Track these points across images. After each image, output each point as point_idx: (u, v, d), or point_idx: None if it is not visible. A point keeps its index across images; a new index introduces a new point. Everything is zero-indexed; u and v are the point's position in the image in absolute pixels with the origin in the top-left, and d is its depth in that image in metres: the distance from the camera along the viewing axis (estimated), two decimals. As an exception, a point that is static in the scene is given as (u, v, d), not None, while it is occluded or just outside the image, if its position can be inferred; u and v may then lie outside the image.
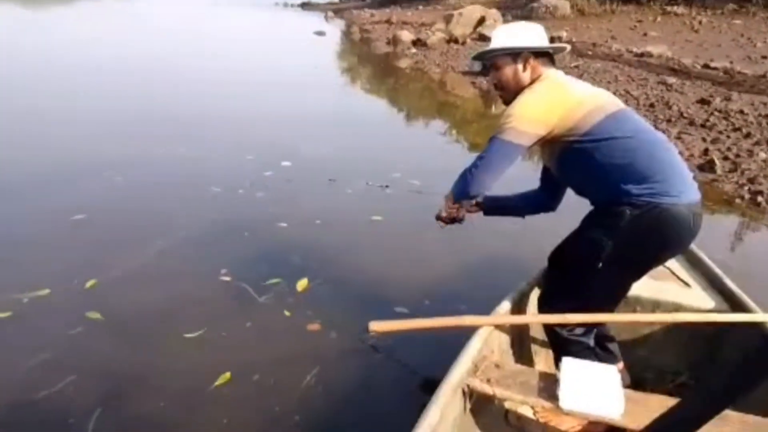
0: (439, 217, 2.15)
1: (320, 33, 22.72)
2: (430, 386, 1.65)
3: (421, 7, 34.08)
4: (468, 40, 16.65)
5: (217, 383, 2.27)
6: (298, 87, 10.02)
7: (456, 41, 16.63)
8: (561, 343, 1.91)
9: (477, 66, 11.52)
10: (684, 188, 1.73)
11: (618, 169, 1.73)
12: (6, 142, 5.55)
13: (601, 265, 1.77)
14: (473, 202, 2.16)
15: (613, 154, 1.74)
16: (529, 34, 1.94)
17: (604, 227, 1.78)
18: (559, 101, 1.79)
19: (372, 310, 2.47)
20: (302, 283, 3.02)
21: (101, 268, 3.08)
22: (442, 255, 3.51)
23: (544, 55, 1.95)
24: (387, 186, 3.26)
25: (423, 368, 2.38)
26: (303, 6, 56.38)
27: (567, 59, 12.13)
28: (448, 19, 17.94)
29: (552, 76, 1.89)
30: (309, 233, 3.73)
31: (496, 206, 2.31)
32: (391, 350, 2.53)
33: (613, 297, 1.92)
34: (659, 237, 1.74)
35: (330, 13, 39.63)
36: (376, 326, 1.77)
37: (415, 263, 3.40)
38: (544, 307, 1.99)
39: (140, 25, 23.36)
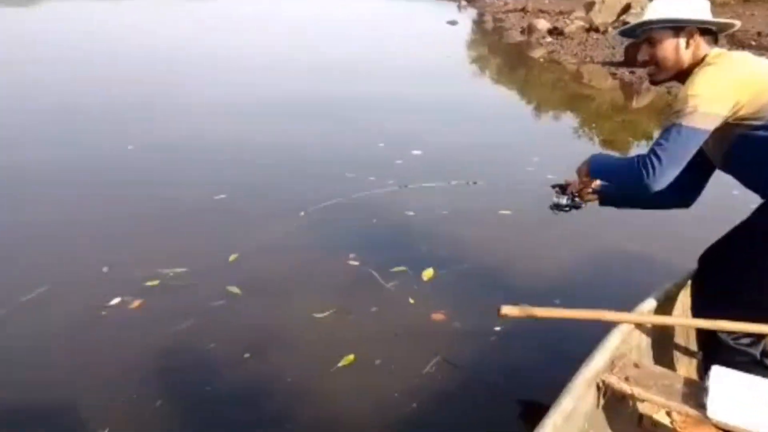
0: (557, 206, 2.01)
1: (452, 22, 22.51)
2: (554, 383, 1.58)
3: (559, -6, 32.57)
4: (610, 29, 15.55)
5: (340, 364, 2.34)
6: (428, 76, 10.02)
7: (596, 30, 15.63)
8: (720, 351, 1.73)
9: (622, 43, 10.68)
10: None
11: None
12: (159, 128, 6.09)
13: (759, 260, 1.62)
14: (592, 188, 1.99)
15: None
16: (693, 6, 1.69)
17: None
18: (748, 79, 1.57)
19: (497, 303, 2.43)
20: (428, 273, 3.04)
21: (241, 245, 3.30)
22: (573, 250, 3.41)
23: (708, 33, 1.71)
24: (475, 182, 3.07)
25: (548, 365, 2.28)
26: (436, -5, 56.42)
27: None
28: (589, 7, 16.93)
29: (726, 53, 1.67)
30: (436, 223, 3.74)
31: (617, 196, 2.05)
32: (514, 342, 2.48)
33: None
34: None
35: (463, 2, 39.07)
36: (508, 310, 1.68)
37: (544, 258, 3.31)
38: (700, 310, 1.81)
39: (269, 13, 24.68)
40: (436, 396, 2.19)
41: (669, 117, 1.64)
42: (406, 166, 4.84)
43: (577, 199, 1.99)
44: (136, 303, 2.75)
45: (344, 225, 3.64)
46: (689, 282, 1.98)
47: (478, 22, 24.95)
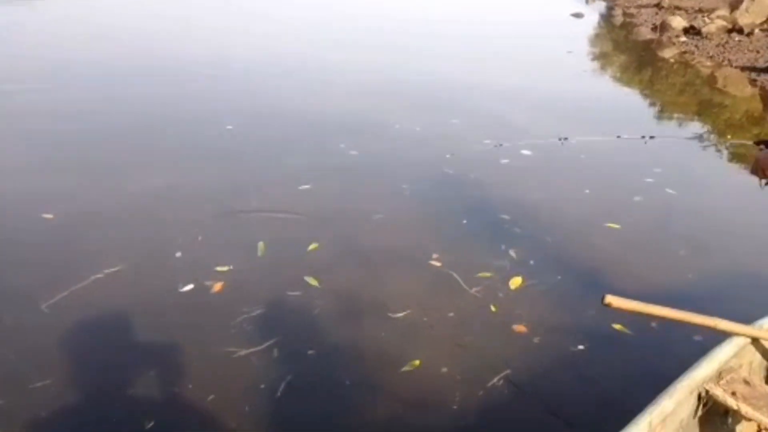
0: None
1: (578, 15, 21.26)
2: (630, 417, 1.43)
3: (701, -11, 29.68)
4: (756, 31, 13.94)
5: (405, 368, 2.31)
6: (550, 71, 9.58)
7: (740, 31, 14.05)
8: None
9: None
10: None
11: None
12: (253, 117, 6.05)
13: None
14: None
15: None
16: None
17: None
18: None
19: (588, 322, 2.29)
20: (516, 281, 2.91)
21: (322, 236, 3.30)
22: (683, 269, 3.14)
23: None
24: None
25: (628, 396, 2.10)
26: (564, -16, 53.60)
27: None
28: (734, 5, 15.22)
29: None
30: (531, 228, 3.56)
31: None
32: (595, 366, 2.33)
33: None
34: None
35: (592, -7, 36.88)
36: (613, 300, 1.57)
37: (646, 279, 3.04)
38: None
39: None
40: (496, 412, 2.12)
41: None
42: (513, 166, 4.65)
43: None
44: (217, 286, 2.78)
45: (429, 223, 3.57)
46: None
47: (606, 16, 23.35)
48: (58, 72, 6.99)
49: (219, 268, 2.89)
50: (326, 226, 3.42)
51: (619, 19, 21.70)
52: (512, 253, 3.17)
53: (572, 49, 13.40)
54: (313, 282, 2.87)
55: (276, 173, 4.23)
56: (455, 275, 2.89)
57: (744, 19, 14.36)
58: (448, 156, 4.67)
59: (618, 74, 11.21)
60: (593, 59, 12.70)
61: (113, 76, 7.05)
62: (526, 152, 4.81)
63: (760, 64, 10.56)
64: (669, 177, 4.43)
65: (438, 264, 3.01)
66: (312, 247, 3.19)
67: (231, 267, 2.91)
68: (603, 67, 11.76)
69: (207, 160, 4.40)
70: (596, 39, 16.76)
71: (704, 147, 6.07)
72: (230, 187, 3.90)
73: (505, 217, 3.62)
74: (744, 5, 14.71)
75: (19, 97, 5.81)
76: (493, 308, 2.70)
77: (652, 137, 5.49)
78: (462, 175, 4.31)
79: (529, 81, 8.46)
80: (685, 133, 6.60)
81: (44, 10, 11.70)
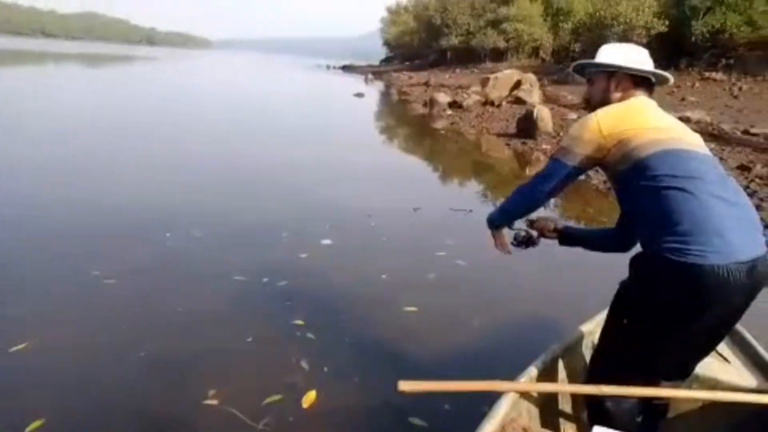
0: (515, 241, 2.03)
1: (359, 95, 22.84)
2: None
3: (458, 71, 34.41)
4: (503, 103, 16.27)
5: None
6: (336, 146, 9.69)
7: (492, 104, 16.28)
8: (603, 414, 1.66)
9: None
10: (729, 247, 1.43)
11: (655, 212, 1.52)
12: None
13: (626, 321, 1.61)
14: (549, 227, 2.05)
15: (654, 194, 1.52)
16: (630, 56, 1.75)
17: (631, 276, 1.61)
18: (620, 125, 1.61)
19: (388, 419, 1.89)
20: (310, 397, 2.34)
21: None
22: (476, 339, 2.98)
23: (643, 82, 1.75)
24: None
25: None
26: (344, 68, 58.21)
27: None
28: (484, 83, 17.68)
29: (634, 100, 1.70)
30: (327, 330, 2.99)
31: (574, 236, 2.11)
32: None
33: (650, 363, 1.63)
34: (684, 295, 1.48)
35: (370, 76, 40.42)
36: (406, 386, 1.60)
37: (446, 358, 2.67)
38: (585, 374, 1.82)
39: (203, 86, 23.99)
40: None
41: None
42: (305, 264, 4.04)
43: (534, 233, 2.03)
44: None
45: (214, 344, 2.78)
46: (577, 343, 2.06)
47: (385, 94, 25.54)
48: None
49: None
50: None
51: (395, 96, 23.83)
52: (304, 364, 2.56)
53: (358, 125, 14.08)
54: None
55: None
56: (236, 412, 2.23)
57: (492, 93, 16.72)
58: (238, 261, 3.83)
59: (402, 145, 11.89)
60: (380, 133, 13.44)
61: None
62: (326, 242, 4.35)
63: (510, 130, 12.14)
64: (459, 248, 4.39)
65: (214, 402, 2.26)
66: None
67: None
68: (389, 140, 12.43)
69: None
70: (379, 115, 18.00)
71: (484, 210, 6.47)
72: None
73: (298, 322, 3.02)
74: (491, 82, 17.16)
75: None
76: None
77: (456, 210, 5.62)
78: (253, 283, 3.53)
79: (323, 158, 8.39)
80: (467, 198, 7.02)
81: None
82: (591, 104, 1.80)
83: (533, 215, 1.98)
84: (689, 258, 1.43)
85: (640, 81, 1.73)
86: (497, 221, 1.93)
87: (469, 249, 4.44)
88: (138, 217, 4.79)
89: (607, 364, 1.70)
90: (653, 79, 1.76)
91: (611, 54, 1.76)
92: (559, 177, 1.70)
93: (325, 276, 3.73)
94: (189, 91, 20.63)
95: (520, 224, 2.00)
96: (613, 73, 1.74)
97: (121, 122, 10.66)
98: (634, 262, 1.61)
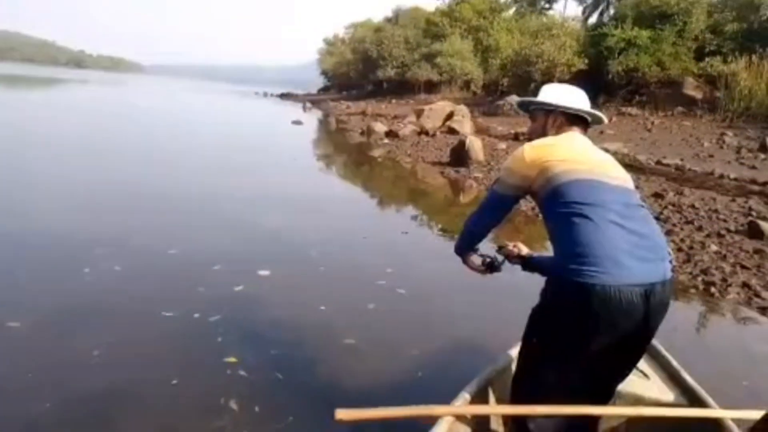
0: (483, 266, 2.10)
1: (298, 122, 22.72)
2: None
3: (394, 101, 35.06)
4: (438, 133, 16.67)
5: None
6: (274, 174, 9.53)
7: (426, 133, 16.63)
8: None
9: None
10: (622, 270, 1.55)
11: (562, 236, 1.65)
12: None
13: (535, 340, 1.71)
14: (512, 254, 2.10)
15: (563, 220, 1.65)
16: (567, 97, 1.90)
17: (540, 297, 1.72)
18: (542, 155, 1.74)
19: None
20: None
21: None
22: (416, 367, 2.92)
23: (579, 120, 1.90)
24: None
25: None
26: (282, 96, 57.96)
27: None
28: (419, 113, 18.07)
29: (565, 135, 1.85)
30: (260, 367, 2.84)
31: (536, 263, 2.09)
32: None
33: (566, 384, 1.69)
34: (579, 314, 1.58)
35: (308, 104, 40.42)
36: (344, 414, 1.60)
37: (387, 387, 2.63)
38: (512, 390, 1.85)
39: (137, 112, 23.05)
40: None
41: None
42: (247, 292, 3.88)
43: (500, 258, 2.10)
44: None
45: (142, 387, 2.55)
46: (507, 366, 2.10)
47: (323, 123, 25.56)
48: None
49: None
50: None
51: (333, 125, 23.90)
52: (233, 405, 2.40)
53: (296, 152, 13.94)
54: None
55: None
56: None
57: (427, 123, 17.11)
58: (167, 295, 3.61)
59: (341, 172, 11.87)
60: (318, 160, 13.37)
61: None
62: (263, 272, 4.15)
63: (444, 159, 12.40)
64: (399, 276, 4.35)
65: None
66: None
67: None
68: (327, 167, 12.38)
69: None
70: (318, 143, 17.94)
71: (427, 237, 6.50)
72: None
73: (230, 360, 2.85)
74: (426, 113, 17.57)
75: None
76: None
77: (405, 232, 5.56)
78: (182, 319, 3.30)
79: (260, 187, 8.21)
80: (405, 223, 7.03)
81: None
82: (531, 138, 1.92)
83: (501, 242, 2.16)
84: (582, 278, 1.55)
85: (575, 119, 1.88)
86: (459, 250, 2.08)
87: (409, 276, 4.41)
88: (52, 250, 4.38)
89: (525, 385, 1.77)
90: (588, 119, 1.91)
91: (550, 93, 1.92)
92: (498, 205, 1.88)
93: (261, 309, 3.56)
94: (122, 115, 19.76)
95: (490, 250, 2.12)
96: (551, 110, 1.90)
97: (49, 146, 10.00)
98: (547, 282, 1.73)
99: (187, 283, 3.90)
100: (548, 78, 20.47)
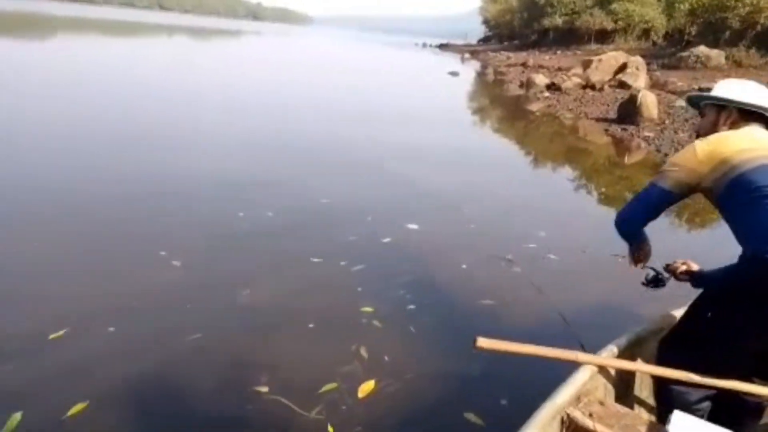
0: (645, 280, 1.98)
1: (454, 73, 22.18)
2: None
3: (559, 52, 32.43)
4: (606, 87, 15.02)
5: None
6: (426, 127, 9.39)
7: (593, 87, 15.09)
8: (671, 399, 1.67)
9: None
10: None
11: (753, 219, 1.53)
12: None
13: (710, 314, 1.61)
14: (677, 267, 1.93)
15: (755, 207, 1.53)
16: (746, 92, 1.74)
17: (722, 272, 1.67)
18: (717, 149, 1.62)
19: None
20: (367, 387, 2.18)
21: None
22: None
23: (757, 116, 1.72)
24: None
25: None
26: (441, 47, 57.08)
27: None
28: (586, 65, 16.43)
29: (741, 129, 1.68)
30: (394, 319, 2.78)
31: (709, 276, 1.90)
32: None
33: (730, 358, 1.61)
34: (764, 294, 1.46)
35: (467, 55, 39.26)
36: (484, 342, 1.59)
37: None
38: (660, 353, 1.77)
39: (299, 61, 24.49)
40: None
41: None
42: (394, 245, 3.80)
43: (666, 274, 1.96)
44: None
45: (271, 327, 2.62)
46: (663, 327, 1.96)
47: (480, 74, 24.63)
48: None
49: None
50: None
51: (491, 77, 22.87)
52: (364, 352, 2.38)
53: (450, 102, 13.61)
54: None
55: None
56: (285, 401, 2.04)
57: (594, 76, 15.48)
58: (318, 243, 3.65)
59: (496, 126, 11.36)
60: (473, 113, 12.92)
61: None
62: (412, 226, 4.07)
63: (610, 115, 11.17)
64: (551, 240, 3.99)
65: (265, 389, 2.11)
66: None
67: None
68: (482, 121, 11.92)
69: None
70: (473, 94, 17.35)
71: (586, 201, 5.93)
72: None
73: (367, 309, 2.81)
74: (594, 65, 15.91)
75: None
76: (330, 430, 1.96)
77: (560, 194, 5.19)
78: (329, 266, 3.34)
79: (413, 140, 8.13)
80: (559, 186, 6.49)
81: None
82: (699, 135, 1.80)
83: (670, 260, 1.98)
84: None
85: (753, 116, 1.72)
86: (627, 240, 1.94)
87: (562, 243, 4.02)
88: (212, 194, 4.56)
89: (683, 353, 1.67)
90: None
91: (726, 88, 1.78)
92: (656, 201, 1.74)
93: (404, 262, 3.47)
94: (296, 65, 21.07)
95: (657, 266, 1.99)
96: (723, 106, 1.75)
97: (218, 95, 11.02)
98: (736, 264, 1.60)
99: (337, 231, 3.93)
100: (748, 26, 17.10)
